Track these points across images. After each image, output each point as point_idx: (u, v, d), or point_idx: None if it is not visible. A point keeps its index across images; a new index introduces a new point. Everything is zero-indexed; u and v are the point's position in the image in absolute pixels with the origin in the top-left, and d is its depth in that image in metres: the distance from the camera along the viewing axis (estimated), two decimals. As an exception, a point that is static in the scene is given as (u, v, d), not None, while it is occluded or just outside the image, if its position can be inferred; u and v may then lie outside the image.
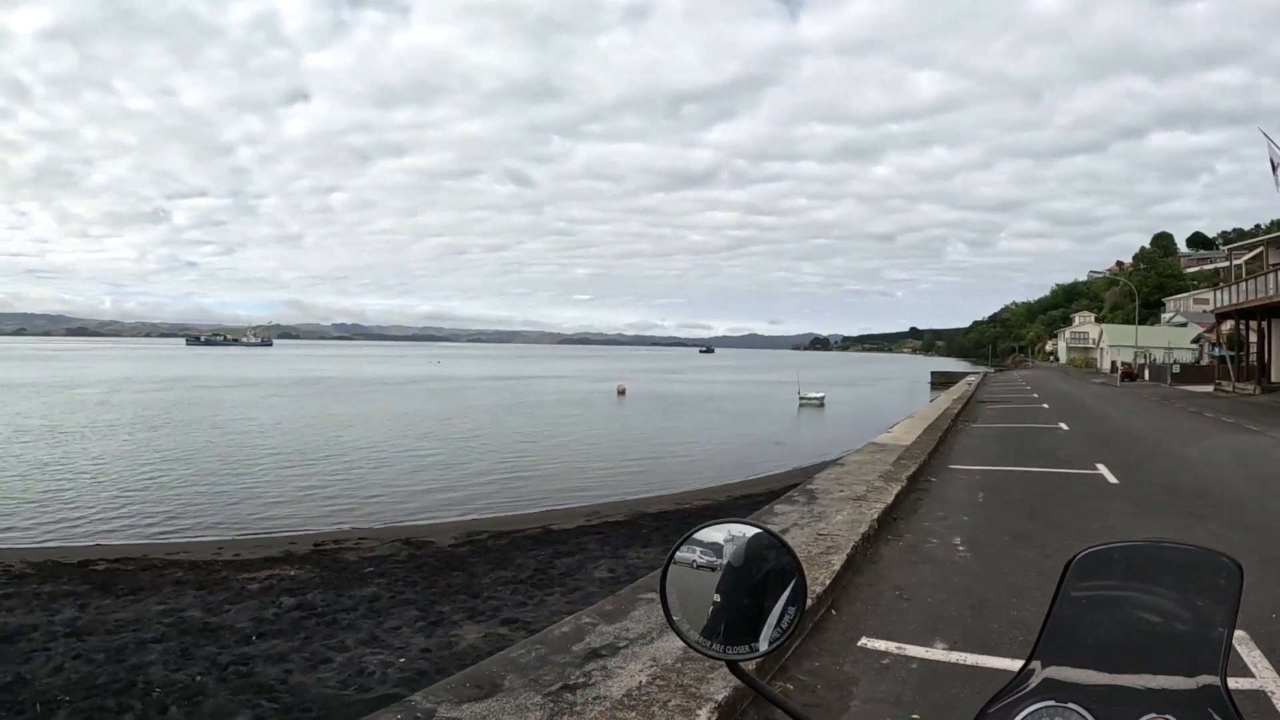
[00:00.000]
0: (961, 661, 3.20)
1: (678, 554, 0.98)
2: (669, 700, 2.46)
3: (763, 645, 0.92)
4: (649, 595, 3.49)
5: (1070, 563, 0.85)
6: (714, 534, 0.99)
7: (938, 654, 3.28)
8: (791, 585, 0.94)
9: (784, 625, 0.92)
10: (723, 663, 0.95)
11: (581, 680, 2.62)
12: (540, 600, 7.63)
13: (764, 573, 0.96)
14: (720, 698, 2.47)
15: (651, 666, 2.72)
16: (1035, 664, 0.79)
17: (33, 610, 7.70)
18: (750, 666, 0.97)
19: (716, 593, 0.95)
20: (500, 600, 7.66)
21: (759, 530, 0.98)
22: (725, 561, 0.96)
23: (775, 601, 0.94)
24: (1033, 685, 0.78)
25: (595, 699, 2.47)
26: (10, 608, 7.77)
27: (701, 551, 0.98)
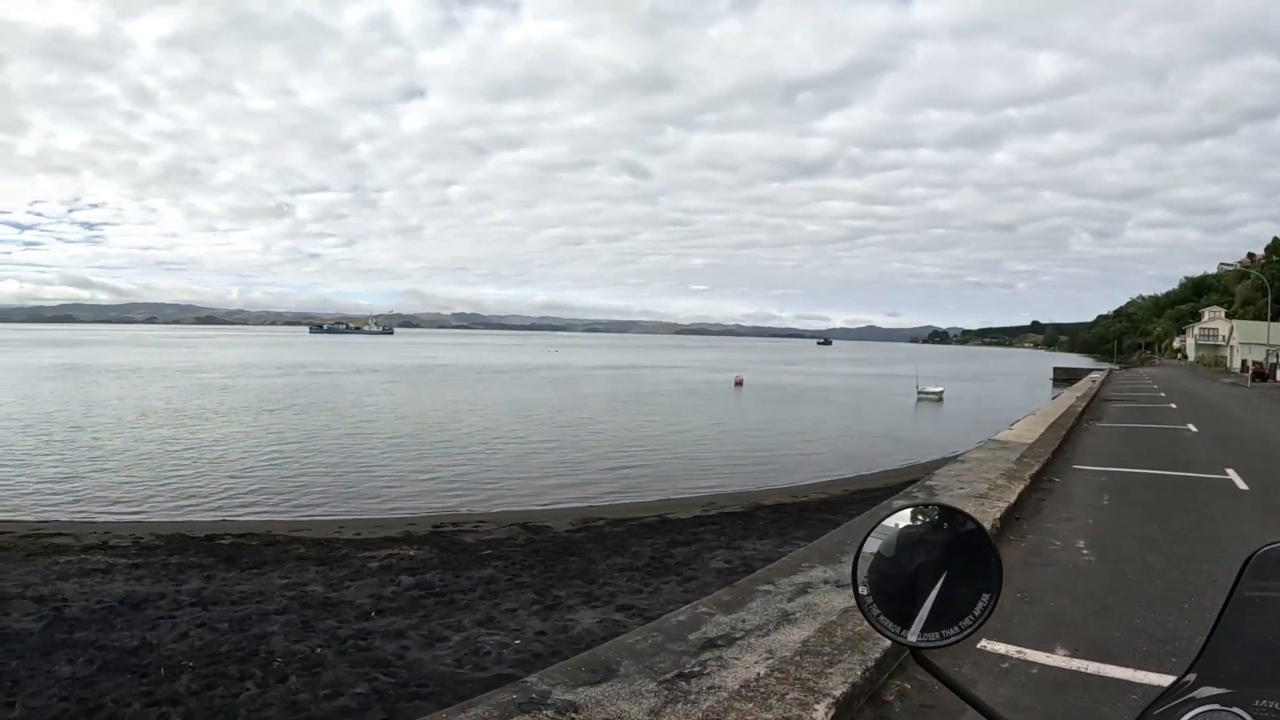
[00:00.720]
0: (1083, 669, 3.45)
1: (872, 534, 1.06)
2: (786, 693, 2.65)
3: (952, 632, 0.98)
4: (766, 587, 3.88)
5: (1248, 561, 0.84)
6: (909, 515, 1.05)
7: (1058, 660, 3.57)
8: (985, 570, 0.99)
9: (976, 613, 0.97)
10: (906, 648, 1.02)
11: (697, 669, 2.86)
12: (656, 588, 8.54)
13: (958, 557, 1.01)
14: (839, 693, 2.67)
15: (768, 659, 2.97)
16: (1200, 667, 0.79)
17: (160, 580, 9.28)
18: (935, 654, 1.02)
19: (907, 576, 1.01)
20: (616, 587, 8.63)
21: (957, 512, 1.05)
22: (919, 544, 1.03)
23: (967, 588, 0.98)
24: (1198, 690, 0.77)
25: (710, 689, 2.68)
26: (139, 577, 9.39)
27: (897, 533, 1.04)
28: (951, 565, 1.00)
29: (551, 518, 13.26)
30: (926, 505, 1.08)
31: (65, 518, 13.51)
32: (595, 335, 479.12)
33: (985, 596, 0.96)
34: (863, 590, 1.02)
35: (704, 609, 3.54)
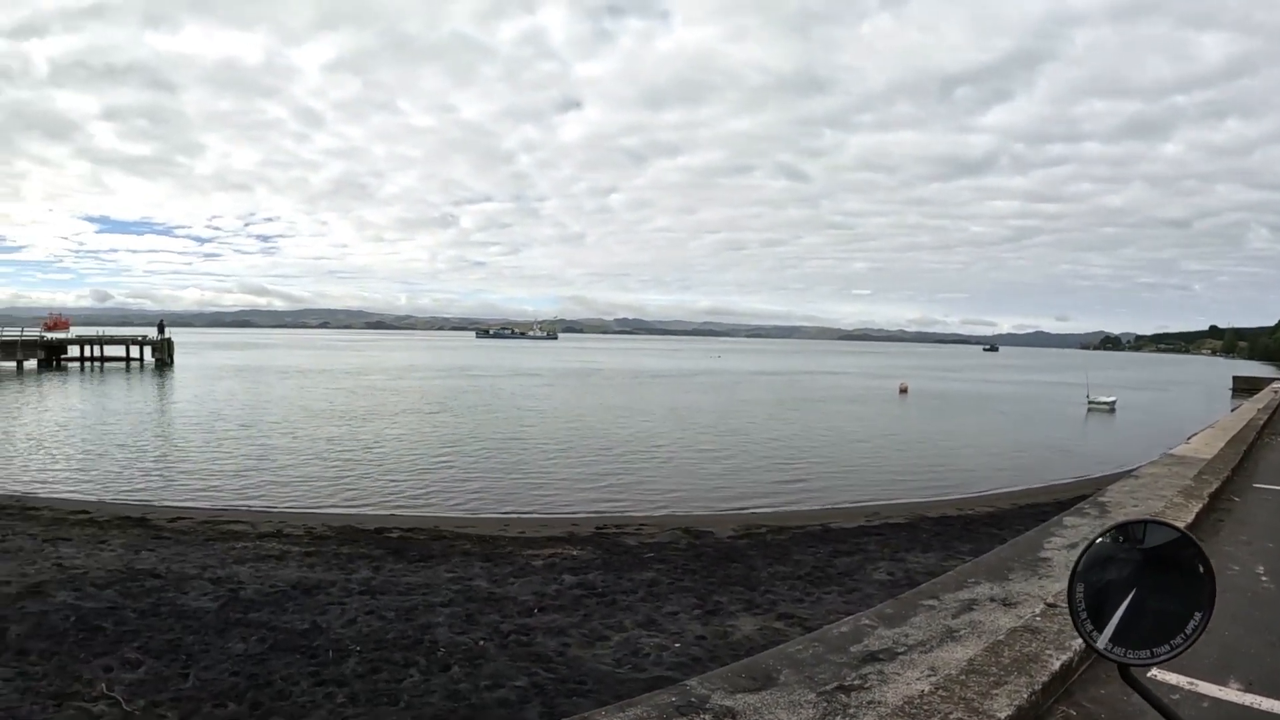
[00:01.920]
0: (1257, 705, 3.54)
1: (1092, 548, 1.22)
2: (950, 713, 2.84)
3: (1163, 651, 1.11)
4: (930, 602, 4.13)
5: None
6: (1116, 531, 1.22)
7: (1232, 694, 3.65)
8: (1197, 588, 1.12)
9: (1188, 631, 1.10)
10: (1115, 664, 1.18)
11: (857, 683, 3.08)
12: (817, 598, 9.03)
13: (1168, 573, 1.14)
14: (1003, 716, 2.85)
15: (931, 675, 3.16)
16: None
17: (331, 568, 10.44)
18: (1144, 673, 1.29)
19: (1115, 592, 1.16)
20: (777, 595, 9.16)
21: (1167, 526, 1.19)
22: (1137, 561, 1.17)
23: (1177, 605, 1.11)
24: None
25: (870, 703, 2.90)
26: (311, 564, 10.64)
27: (1115, 548, 1.20)
28: (1160, 581, 1.13)
29: (713, 523, 14.24)
30: (1135, 522, 1.22)
31: (242, 506, 15.76)
32: (757, 341, 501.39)
33: (1197, 615, 1.06)
34: (1077, 606, 1.18)
35: (866, 621, 3.73)
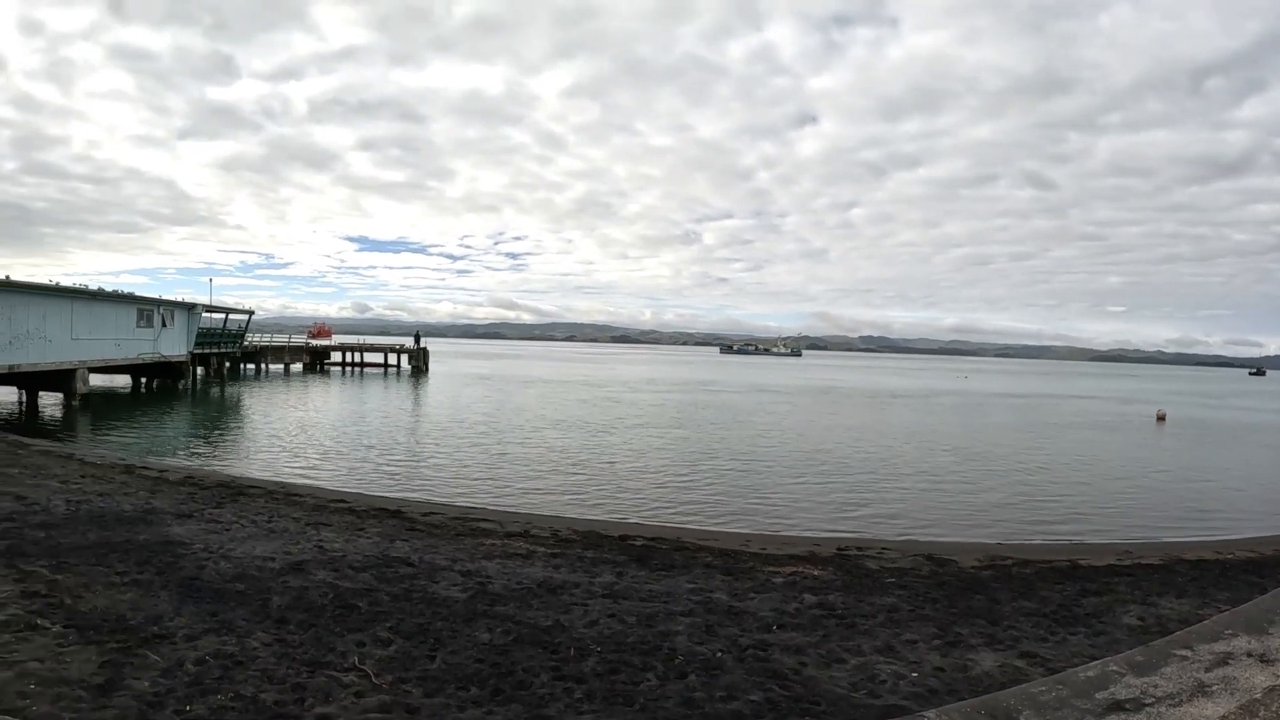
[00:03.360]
0: None
1: None
2: None
3: None
4: (1182, 652, 3.96)
5: None
6: None
7: None
8: None
9: None
10: None
11: None
12: (1062, 638, 8.75)
13: None
14: None
15: None
16: None
17: (575, 570, 10.93)
18: None
19: None
20: (1020, 631, 8.92)
21: None
22: None
23: None
24: None
25: None
26: (556, 565, 11.19)
27: None
28: None
29: (957, 551, 13.92)
30: None
31: (491, 506, 16.96)
32: (1005, 361, 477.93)
33: None
34: None
35: (1114, 667, 3.60)
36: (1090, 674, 3.51)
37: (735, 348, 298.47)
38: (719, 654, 7.43)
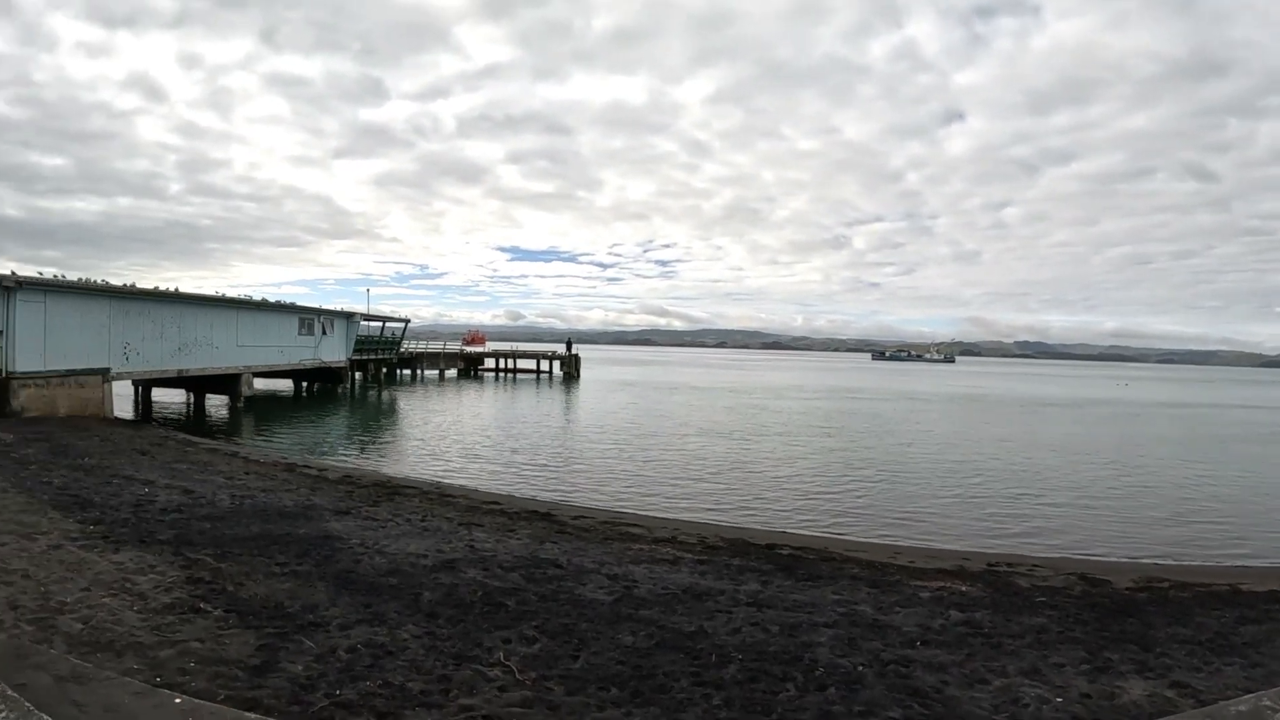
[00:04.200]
0: None
1: None
2: None
3: None
4: None
5: None
6: None
7: None
8: None
9: None
10: None
11: None
12: (1216, 668, 8.30)
13: None
14: None
15: None
16: None
17: (721, 578, 10.96)
18: None
19: None
20: (1172, 659, 8.50)
21: None
22: None
23: None
24: None
25: None
26: (702, 572, 11.27)
27: None
28: None
29: (1110, 571, 13.39)
30: None
31: (639, 511, 17.25)
32: (1168, 367, 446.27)
33: None
34: None
35: (1268, 702, 3.49)
36: (1242, 708, 3.43)
37: (887, 354, 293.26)
38: (860, 668, 7.31)
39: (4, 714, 3.44)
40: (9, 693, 3.67)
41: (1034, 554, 15.08)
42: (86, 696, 4.47)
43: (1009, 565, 13.46)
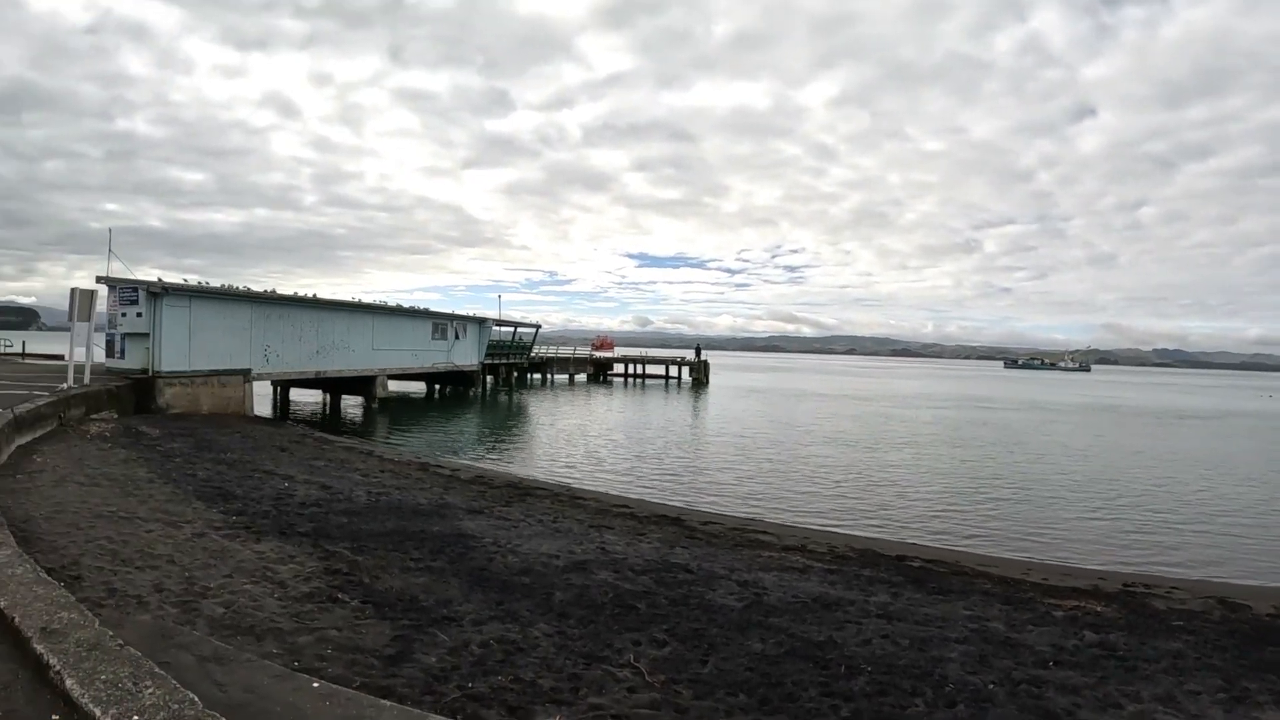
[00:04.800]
0: None
1: None
2: None
3: None
4: None
5: None
6: None
7: None
8: None
9: None
10: None
11: None
12: None
13: None
14: None
15: None
16: None
17: (851, 588, 10.87)
18: None
19: None
20: None
21: None
22: None
23: None
24: None
25: None
26: (832, 582, 11.18)
27: None
28: None
29: (1252, 596, 12.83)
30: None
31: (768, 518, 17.17)
32: None
33: None
34: None
35: None
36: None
37: (1020, 362, 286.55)
38: (991, 686, 7.18)
39: (151, 690, 3.64)
40: (156, 670, 3.89)
41: (1171, 575, 14.57)
42: (227, 677, 4.70)
43: (1145, 586, 13.06)
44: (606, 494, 19.00)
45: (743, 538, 14.31)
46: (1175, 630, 10.07)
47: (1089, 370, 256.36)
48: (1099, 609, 10.89)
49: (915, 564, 13.13)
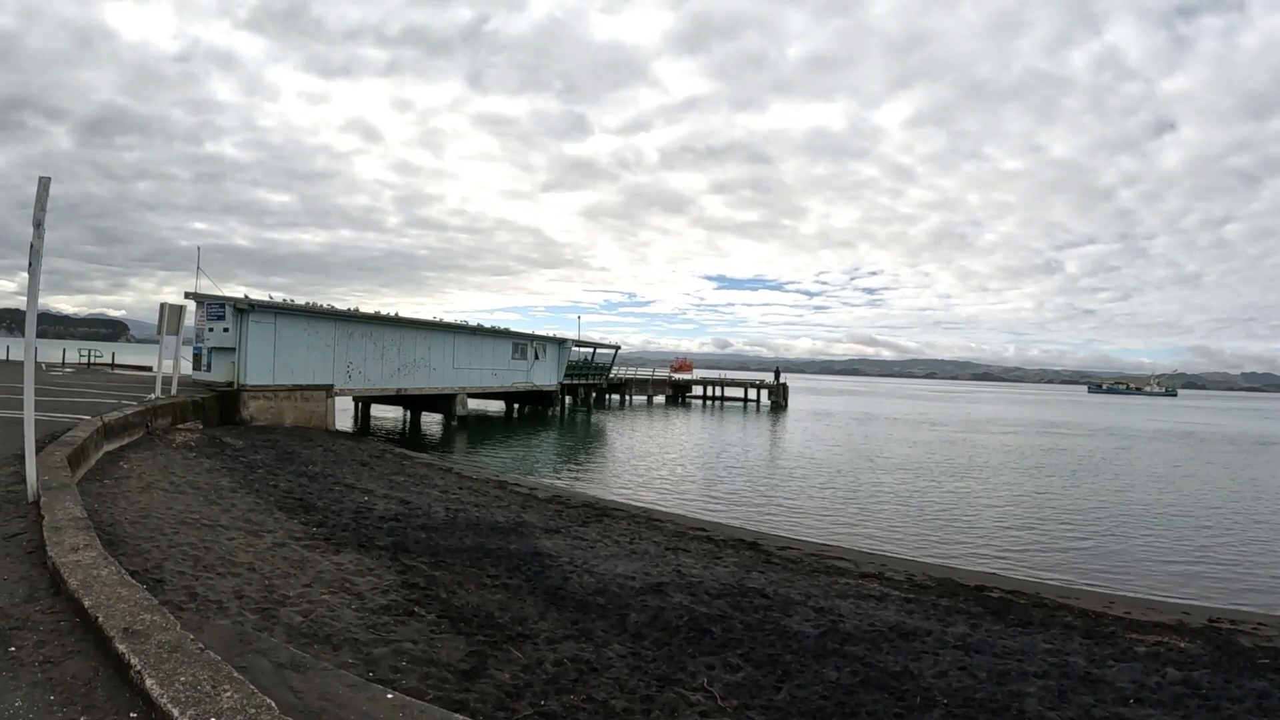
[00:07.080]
0: None
1: None
2: None
3: None
4: None
5: None
6: None
7: None
8: None
9: None
10: None
11: None
12: None
13: None
14: None
15: None
16: None
17: (929, 618, 10.71)
18: None
19: None
20: None
21: None
22: None
23: None
24: None
25: None
26: (910, 611, 11.03)
27: None
28: None
29: None
30: None
31: (845, 545, 16.96)
32: None
33: None
34: None
35: None
36: None
37: (1104, 386, 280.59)
38: (1071, 722, 7.02)
39: (229, 693, 3.75)
40: (234, 674, 3.99)
41: (1260, 611, 14.01)
42: (303, 684, 4.80)
43: (1232, 622, 12.57)
44: (684, 516, 18.97)
45: (820, 563, 14.19)
46: (1261, 669, 9.76)
47: (1175, 395, 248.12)
48: (1183, 645, 10.59)
49: (995, 595, 12.87)
